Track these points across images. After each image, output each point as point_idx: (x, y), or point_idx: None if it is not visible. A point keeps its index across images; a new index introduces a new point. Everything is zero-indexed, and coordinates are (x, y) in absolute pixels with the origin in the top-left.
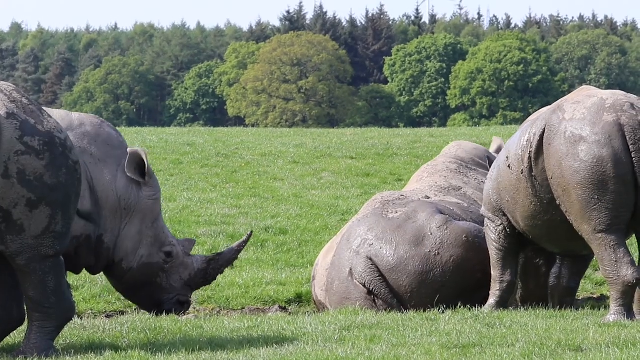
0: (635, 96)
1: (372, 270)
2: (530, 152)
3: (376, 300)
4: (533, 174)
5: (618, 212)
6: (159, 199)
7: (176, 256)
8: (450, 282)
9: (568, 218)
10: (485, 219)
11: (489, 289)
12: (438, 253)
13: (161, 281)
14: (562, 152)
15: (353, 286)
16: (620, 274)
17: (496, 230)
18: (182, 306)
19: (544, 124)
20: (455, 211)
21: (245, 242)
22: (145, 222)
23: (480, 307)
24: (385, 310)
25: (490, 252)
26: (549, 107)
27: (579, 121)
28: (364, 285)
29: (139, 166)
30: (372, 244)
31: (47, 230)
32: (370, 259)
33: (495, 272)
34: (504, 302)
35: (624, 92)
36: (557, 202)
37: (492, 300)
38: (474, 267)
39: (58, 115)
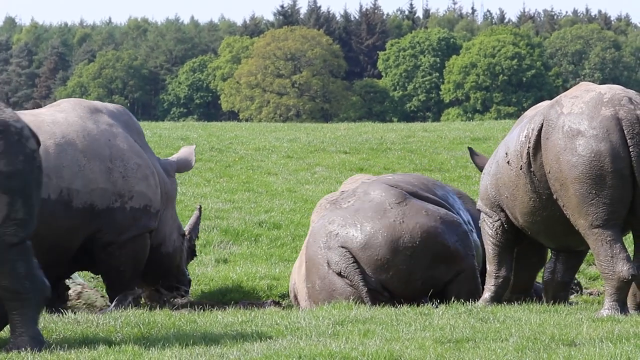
0: (634, 91)
1: (347, 257)
2: (528, 147)
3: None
4: (532, 169)
5: (615, 207)
6: (177, 185)
7: (184, 238)
8: (421, 247)
9: (565, 213)
10: (482, 213)
11: (464, 263)
12: (403, 221)
13: (181, 263)
14: (560, 147)
15: (335, 278)
16: (616, 270)
17: (493, 225)
18: (189, 286)
19: (542, 118)
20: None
21: (199, 215)
22: (173, 207)
23: (457, 287)
24: (371, 297)
25: (486, 247)
26: (547, 102)
27: (577, 115)
28: (340, 274)
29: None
30: (338, 233)
31: (7, 218)
32: (343, 247)
33: (490, 267)
34: (498, 297)
35: (622, 87)
36: (555, 196)
37: (487, 294)
38: (441, 235)
39: (94, 105)
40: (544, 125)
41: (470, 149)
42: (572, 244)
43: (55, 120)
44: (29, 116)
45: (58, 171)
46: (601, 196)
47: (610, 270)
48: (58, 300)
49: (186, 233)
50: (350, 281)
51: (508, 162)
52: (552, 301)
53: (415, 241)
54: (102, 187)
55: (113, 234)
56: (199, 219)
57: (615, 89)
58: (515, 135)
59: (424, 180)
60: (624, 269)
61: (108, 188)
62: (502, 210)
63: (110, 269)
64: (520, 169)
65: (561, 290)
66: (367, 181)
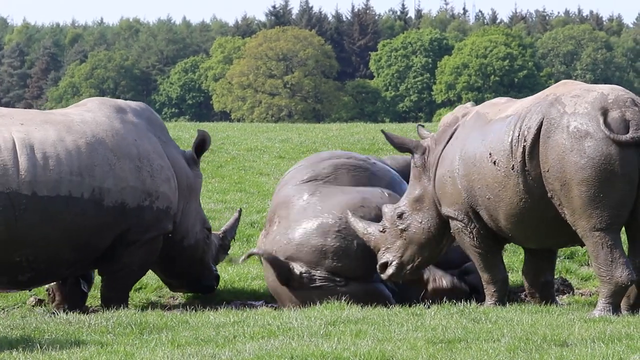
0: (632, 93)
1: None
2: (524, 146)
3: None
4: (526, 168)
5: (619, 211)
6: (202, 177)
7: (211, 232)
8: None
9: (561, 212)
10: (453, 221)
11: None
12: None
13: (205, 256)
14: (564, 147)
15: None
16: (615, 275)
17: (471, 233)
18: (217, 281)
19: (541, 117)
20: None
21: (238, 217)
22: (197, 200)
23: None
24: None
25: (472, 258)
26: (499, 99)
27: (583, 116)
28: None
29: (199, 147)
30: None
31: None
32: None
33: (486, 275)
34: (502, 300)
35: (621, 87)
36: (549, 195)
37: (490, 301)
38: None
39: (119, 104)
40: (544, 123)
41: (382, 131)
42: (553, 245)
43: (84, 119)
44: (58, 116)
45: (90, 170)
46: (607, 199)
47: (609, 274)
48: (83, 297)
49: (221, 232)
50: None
51: (494, 163)
52: (543, 302)
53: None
54: (132, 185)
55: (139, 232)
56: (237, 220)
57: (617, 90)
58: (502, 135)
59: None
60: (623, 274)
61: (138, 186)
62: (476, 214)
63: (123, 268)
64: (512, 169)
65: (548, 289)
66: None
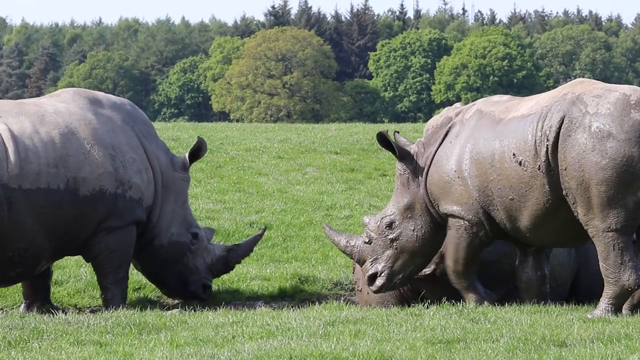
0: None
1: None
2: (547, 145)
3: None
4: (551, 167)
5: (635, 213)
6: (189, 182)
7: (201, 239)
8: None
9: (574, 210)
10: (456, 219)
11: None
12: None
13: (188, 261)
14: (585, 146)
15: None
16: (622, 277)
17: (474, 233)
18: (205, 290)
19: (562, 115)
20: None
21: (260, 235)
22: (177, 202)
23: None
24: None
25: (459, 256)
26: (498, 96)
27: (605, 117)
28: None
29: (194, 153)
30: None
31: None
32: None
33: (461, 268)
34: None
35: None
36: (564, 193)
37: (469, 300)
38: None
39: (95, 95)
40: (565, 121)
41: (385, 133)
42: (567, 244)
43: (57, 109)
44: (31, 106)
45: (64, 161)
46: (625, 201)
47: (617, 276)
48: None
49: (231, 245)
50: None
51: (520, 163)
52: (537, 297)
53: None
54: (109, 171)
55: (114, 219)
56: (256, 238)
57: (638, 90)
58: (525, 135)
59: None
60: (631, 278)
61: (112, 172)
62: (487, 214)
63: (102, 252)
64: (539, 169)
65: (543, 284)
66: None
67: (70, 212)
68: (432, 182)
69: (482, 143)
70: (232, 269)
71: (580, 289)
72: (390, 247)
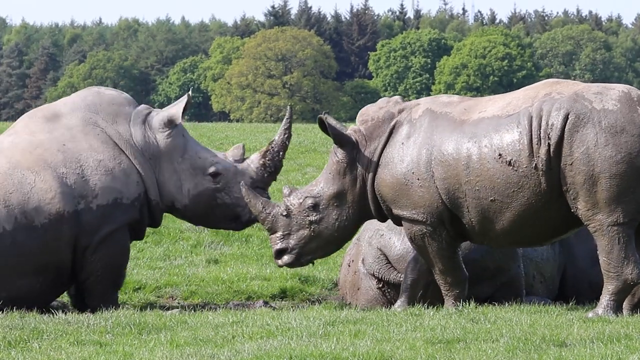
0: None
1: (381, 260)
2: (549, 144)
3: (386, 292)
4: (551, 166)
5: None
6: (177, 133)
7: (225, 171)
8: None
9: (572, 207)
10: (416, 225)
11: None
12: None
13: (224, 200)
14: (597, 142)
15: (363, 276)
16: (625, 272)
17: (440, 237)
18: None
19: (566, 112)
20: None
21: (290, 119)
22: (174, 160)
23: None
24: (394, 300)
25: (433, 262)
26: (447, 96)
27: (615, 113)
28: (373, 275)
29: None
30: (383, 234)
31: None
32: (380, 250)
33: (449, 278)
34: (461, 300)
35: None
36: (565, 189)
37: (450, 302)
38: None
39: (53, 109)
40: (570, 117)
41: (325, 118)
42: (540, 243)
43: (2, 148)
44: None
45: (6, 200)
46: (634, 195)
47: (619, 270)
48: None
49: (265, 148)
50: (387, 281)
51: (508, 163)
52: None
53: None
54: (61, 191)
55: (86, 237)
56: (284, 123)
57: (634, 89)
58: (513, 135)
59: None
60: (634, 272)
61: (67, 191)
62: (454, 217)
63: (89, 277)
64: (535, 168)
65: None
66: None
67: (34, 246)
68: (383, 185)
69: (449, 144)
70: (279, 168)
71: (567, 285)
72: (308, 228)
